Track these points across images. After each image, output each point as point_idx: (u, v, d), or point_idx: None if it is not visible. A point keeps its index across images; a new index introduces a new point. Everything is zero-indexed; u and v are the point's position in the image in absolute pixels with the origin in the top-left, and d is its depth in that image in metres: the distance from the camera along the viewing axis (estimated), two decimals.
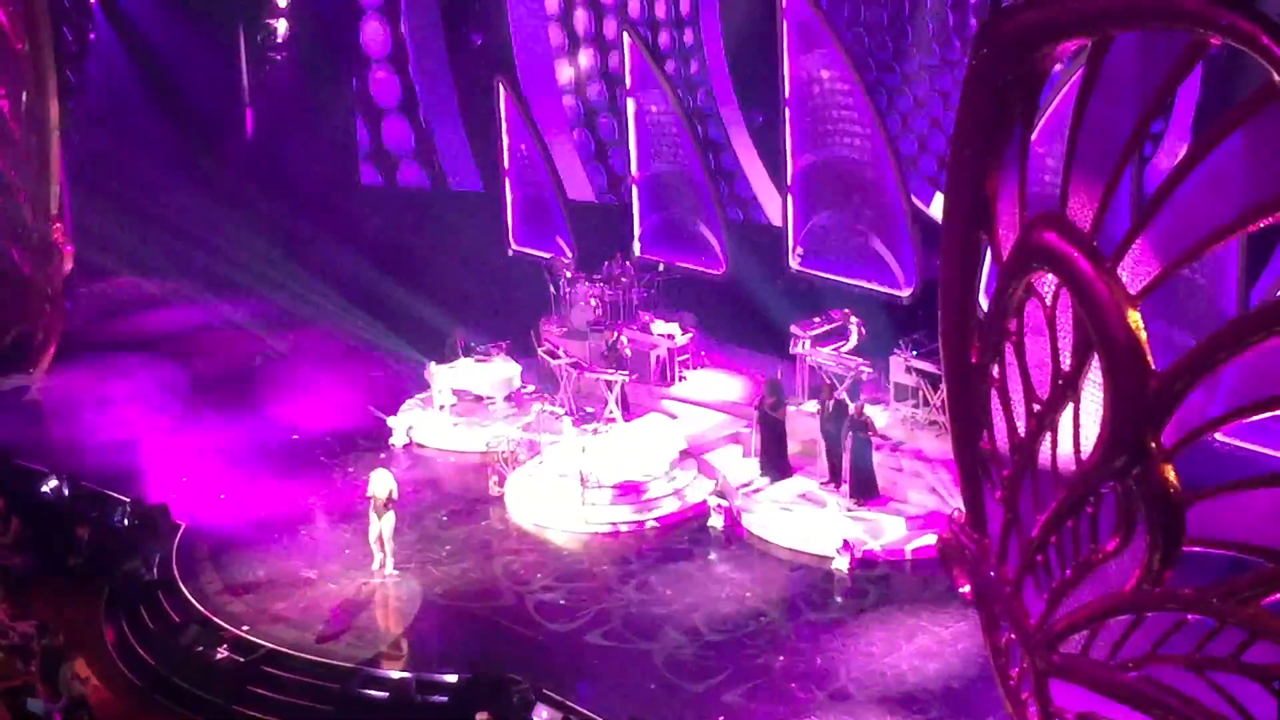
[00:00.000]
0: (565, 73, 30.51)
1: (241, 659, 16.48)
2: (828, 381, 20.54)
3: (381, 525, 18.12)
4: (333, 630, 17.07)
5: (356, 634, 17.04)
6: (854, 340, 21.29)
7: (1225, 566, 8.17)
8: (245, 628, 17.11)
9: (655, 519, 19.70)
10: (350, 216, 30.85)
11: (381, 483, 18.15)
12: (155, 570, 18.51)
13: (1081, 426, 8.76)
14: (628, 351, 23.03)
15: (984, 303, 10.55)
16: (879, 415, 20.21)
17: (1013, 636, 10.08)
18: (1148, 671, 8.62)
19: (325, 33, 32.89)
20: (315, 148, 31.86)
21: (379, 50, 32.25)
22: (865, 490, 19.04)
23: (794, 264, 23.91)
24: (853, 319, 21.54)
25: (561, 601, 17.68)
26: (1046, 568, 9.42)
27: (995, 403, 9.78)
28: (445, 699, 15.49)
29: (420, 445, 22.49)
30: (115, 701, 16.28)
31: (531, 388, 23.22)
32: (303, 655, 16.52)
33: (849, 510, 18.94)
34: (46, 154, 21.73)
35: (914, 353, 20.18)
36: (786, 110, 23.40)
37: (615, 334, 23.21)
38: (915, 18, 29.68)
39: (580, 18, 29.49)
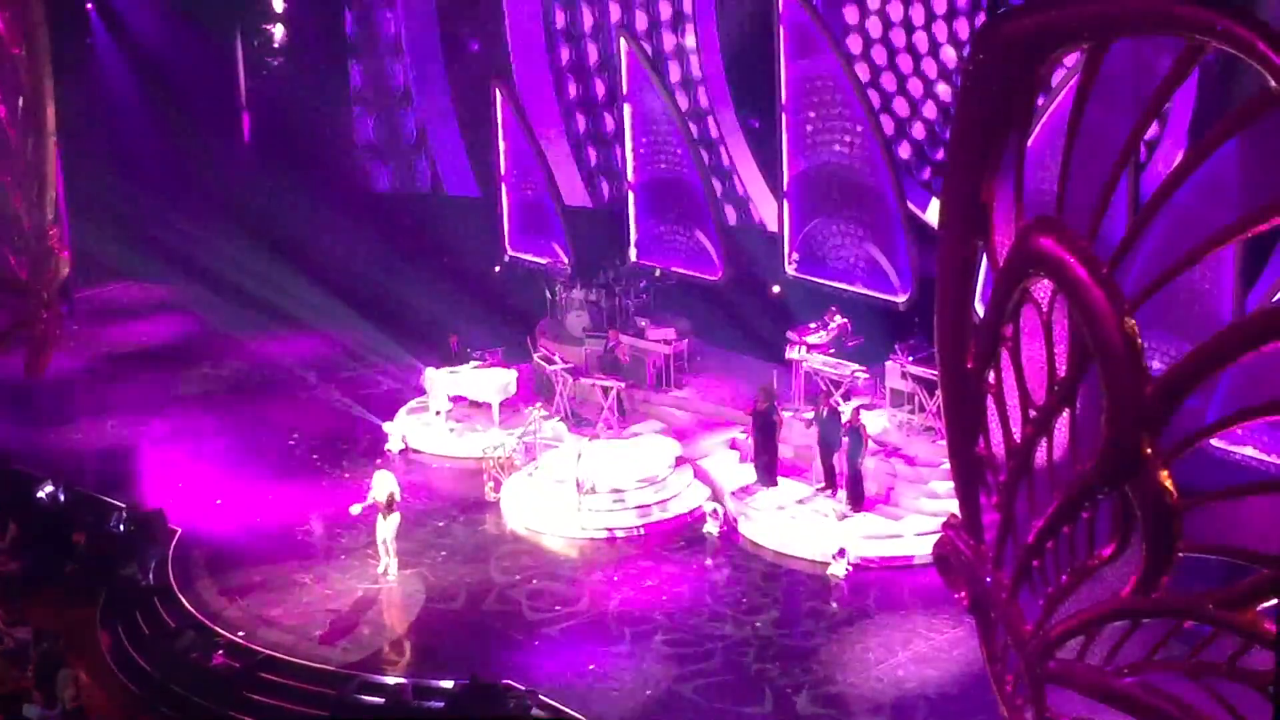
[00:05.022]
0: (562, 78, 30.44)
1: (237, 664, 16.46)
2: (823, 387, 20.58)
3: (385, 527, 18.14)
4: (328, 635, 17.06)
5: (352, 639, 17.02)
6: (826, 335, 21.29)
7: (1221, 572, 8.17)
8: (241, 633, 17.10)
9: (650, 524, 19.70)
10: (347, 221, 30.79)
11: (383, 484, 18.18)
12: (151, 576, 18.49)
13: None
14: (625, 357, 22.99)
15: (980, 308, 10.56)
16: (874, 420, 20.20)
17: (1009, 642, 10.07)
18: (1143, 677, 8.61)
19: (322, 37, 32.88)
20: (312, 152, 31.81)
21: (375, 54, 32.23)
22: (859, 496, 19.05)
23: (790, 269, 23.88)
24: (837, 316, 21.53)
25: (557, 607, 17.66)
26: (1043, 573, 9.42)
27: (991, 408, 9.78)
28: (441, 704, 15.46)
29: (416, 451, 22.46)
30: (111, 707, 16.24)
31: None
32: (299, 660, 16.51)
33: (844, 516, 18.94)
34: (43, 159, 21.66)
35: (910, 358, 20.18)
36: (783, 115, 23.37)
37: (612, 340, 23.17)
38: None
39: (578, 22, 29.47)
